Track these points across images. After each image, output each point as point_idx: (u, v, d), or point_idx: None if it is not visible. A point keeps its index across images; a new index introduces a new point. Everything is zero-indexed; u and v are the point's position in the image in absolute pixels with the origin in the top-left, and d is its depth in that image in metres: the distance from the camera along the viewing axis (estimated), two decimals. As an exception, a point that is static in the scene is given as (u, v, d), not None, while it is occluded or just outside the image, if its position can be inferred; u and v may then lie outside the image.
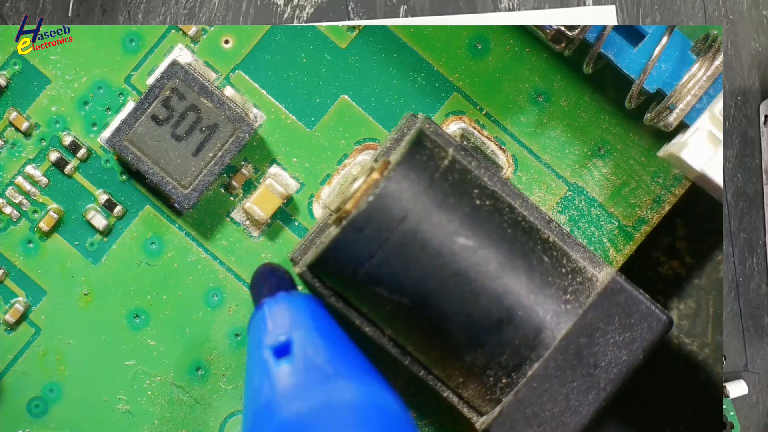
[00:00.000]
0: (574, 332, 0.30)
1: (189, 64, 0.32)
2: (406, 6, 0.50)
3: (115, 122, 0.32)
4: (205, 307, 0.33)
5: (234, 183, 0.33)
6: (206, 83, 0.32)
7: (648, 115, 0.32)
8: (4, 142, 0.33)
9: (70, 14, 0.49)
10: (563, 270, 0.30)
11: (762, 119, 0.51)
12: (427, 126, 0.31)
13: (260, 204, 0.33)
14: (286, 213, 0.33)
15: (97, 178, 0.33)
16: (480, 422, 0.31)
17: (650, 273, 0.35)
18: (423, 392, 0.33)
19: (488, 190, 0.30)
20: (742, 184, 0.51)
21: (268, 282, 0.31)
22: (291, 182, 0.33)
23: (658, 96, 0.32)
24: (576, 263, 0.30)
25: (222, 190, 0.33)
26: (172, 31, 0.33)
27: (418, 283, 0.29)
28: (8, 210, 0.33)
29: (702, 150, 0.30)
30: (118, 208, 0.33)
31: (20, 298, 0.33)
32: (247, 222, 0.33)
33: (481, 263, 0.29)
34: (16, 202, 0.33)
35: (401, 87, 0.33)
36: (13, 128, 0.33)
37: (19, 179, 0.33)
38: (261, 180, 0.33)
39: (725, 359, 0.50)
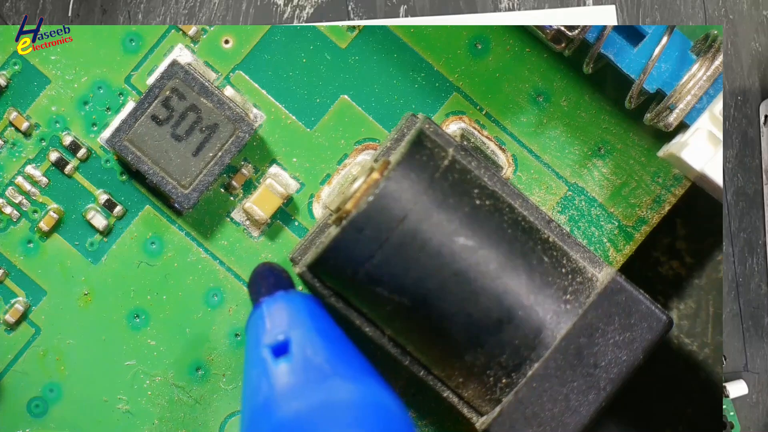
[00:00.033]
0: (574, 332, 0.30)
1: (189, 64, 0.32)
2: (406, 6, 0.50)
3: (115, 122, 0.32)
4: (205, 307, 0.33)
5: (234, 183, 0.33)
6: (206, 83, 0.32)
7: (648, 115, 0.32)
8: (4, 142, 0.33)
9: (70, 14, 0.49)
10: (563, 270, 0.30)
11: (762, 119, 0.51)
12: (427, 126, 0.31)
13: (260, 204, 0.33)
14: (286, 213, 0.33)
15: (97, 178, 0.33)
16: (480, 422, 0.31)
17: (650, 273, 0.35)
18: (423, 392, 0.33)
19: (488, 190, 0.30)
20: (742, 184, 0.51)
21: (267, 281, 0.31)
22: (291, 182, 0.33)
23: (658, 96, 0.32)
24: (576, 263, 0.30)
25: (222, 190, 0.33)
26: (172, 31, 0.33)
27: (418, 283, 0.29)
28: (8, 210, 0.33)
29: (702, 150, 0.30)
30: (118, 208, 0.33)
31: (20, 298, 0.33)
32: (247, 222, 0.33)
33: (481, 263, 0.29)
34: (16, 202, 0.33)
35: (401, 87, 0.33)
36: (13, 128, 0.33)
37: (19, 179, 0.33)
38: (261, 180, 0.33)
39: (725, 359, 0.50)
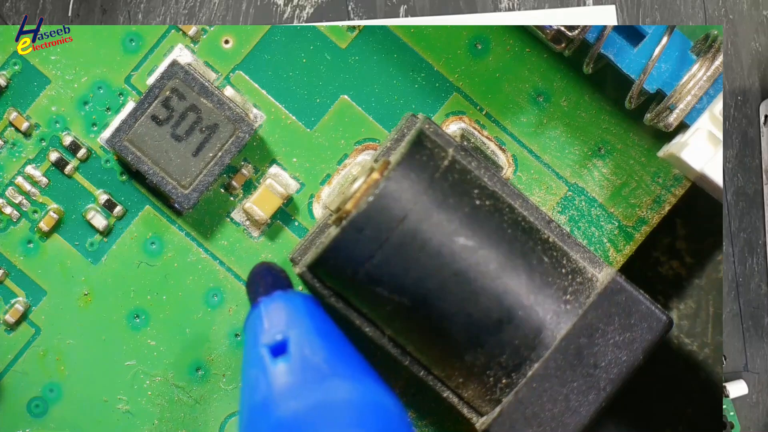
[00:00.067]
0: (574, 332, 0.30)
1: (189, 64, 0.32)
2: (406, 6, 0.50)
3: (115, 122, 0.32)
4: (205, 307, 0.33)
5: (234, 183, 0.33)
6: (206, 83, 0.32)
7: (648, 115, 0.32)
8: (4, 142, 0.33)
9: (70, 14, 0.49)
10: (563, 270, 0.30)
11: (762, 119, 0.51)
12: (427, 126, 0.31)
13: (260, 204, 0.33)
14: (286, 213, 0.33)
15: (97, 178, 0.33)
16: (480, 422, 0.31)
17: (650, 273, 0.35)
18: (423, 392, 0.33)
19: (488, 190, 0.30)
20: (742, 184, 0.51)
21: (264, 281, 0.31)
22: (291, 182, 0.33)
23: (658, 96, 0.32)
24: (576, 263, 0.30)
25: (222, 191, 0.33)
26: (172, 31, 0.33)
27: (418, 283, 0.29)
28: (8, 210, 0.33)
29: (702, 150, 0.30)
30: (118, 208, 0.33)
31: (20, 298, 0.33)
32: (247, 222, 0.33)
33: (481, 263, 0.29)
34: (16, 202, 0.33)
35: (401, 87, 0.33)
36: (13, 128, 0.33)
37: (19, 179, 0.33)
38: (261, 180, 0.33)
39: (725, 359, 0.50)
